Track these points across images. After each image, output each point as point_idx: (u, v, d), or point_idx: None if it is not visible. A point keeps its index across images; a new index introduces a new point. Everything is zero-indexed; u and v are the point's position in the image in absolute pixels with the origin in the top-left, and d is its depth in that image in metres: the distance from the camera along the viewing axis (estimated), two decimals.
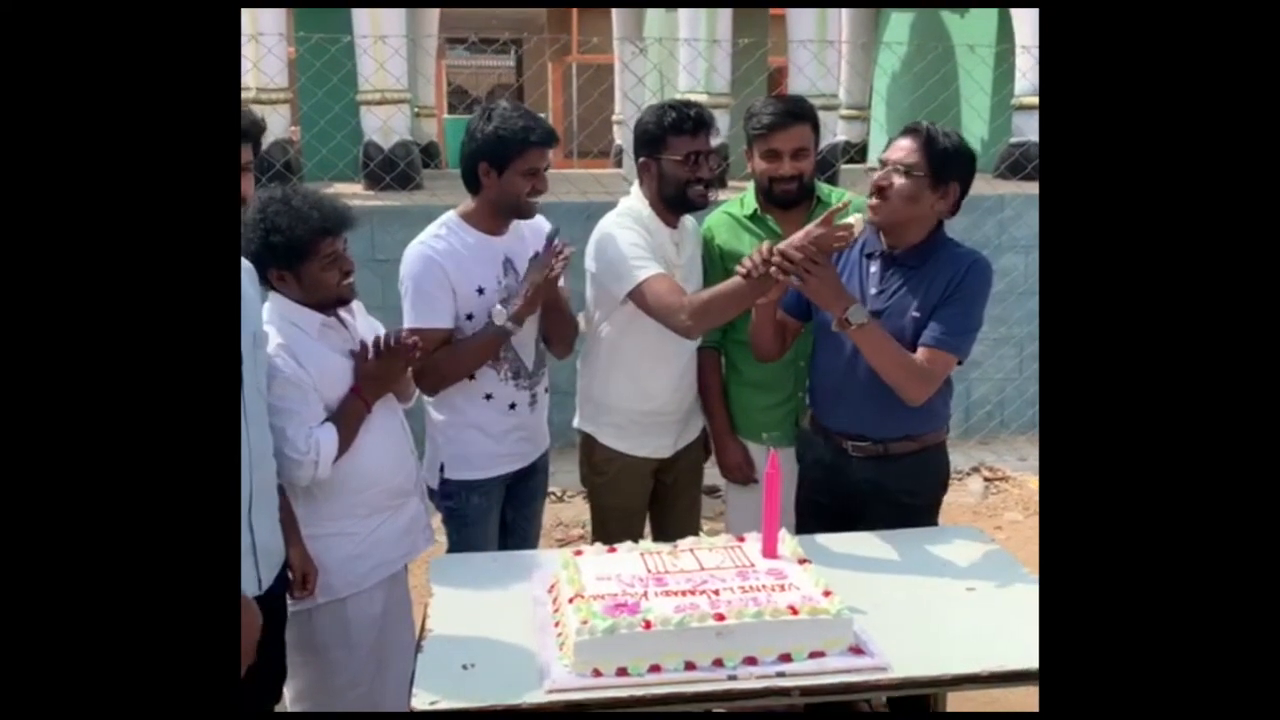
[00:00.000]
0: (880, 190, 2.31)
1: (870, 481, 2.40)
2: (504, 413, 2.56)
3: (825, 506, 2.50)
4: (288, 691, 2.27)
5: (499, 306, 2.44)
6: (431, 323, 2.44)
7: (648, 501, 2.82)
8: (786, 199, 2.63)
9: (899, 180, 2.29)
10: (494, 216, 2.51)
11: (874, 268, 2.39)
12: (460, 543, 2.57)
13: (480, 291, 2.47)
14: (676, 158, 2.53)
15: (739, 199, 2.77)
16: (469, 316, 2.48)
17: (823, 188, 2.76)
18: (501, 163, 2.41)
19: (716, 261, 2.73)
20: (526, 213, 2.52)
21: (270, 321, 2.14)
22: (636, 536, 2.76)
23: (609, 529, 2.77)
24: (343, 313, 2.27)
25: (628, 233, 2.53)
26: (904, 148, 2.31)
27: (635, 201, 2.62)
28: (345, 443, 2.17)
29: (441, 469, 2.57)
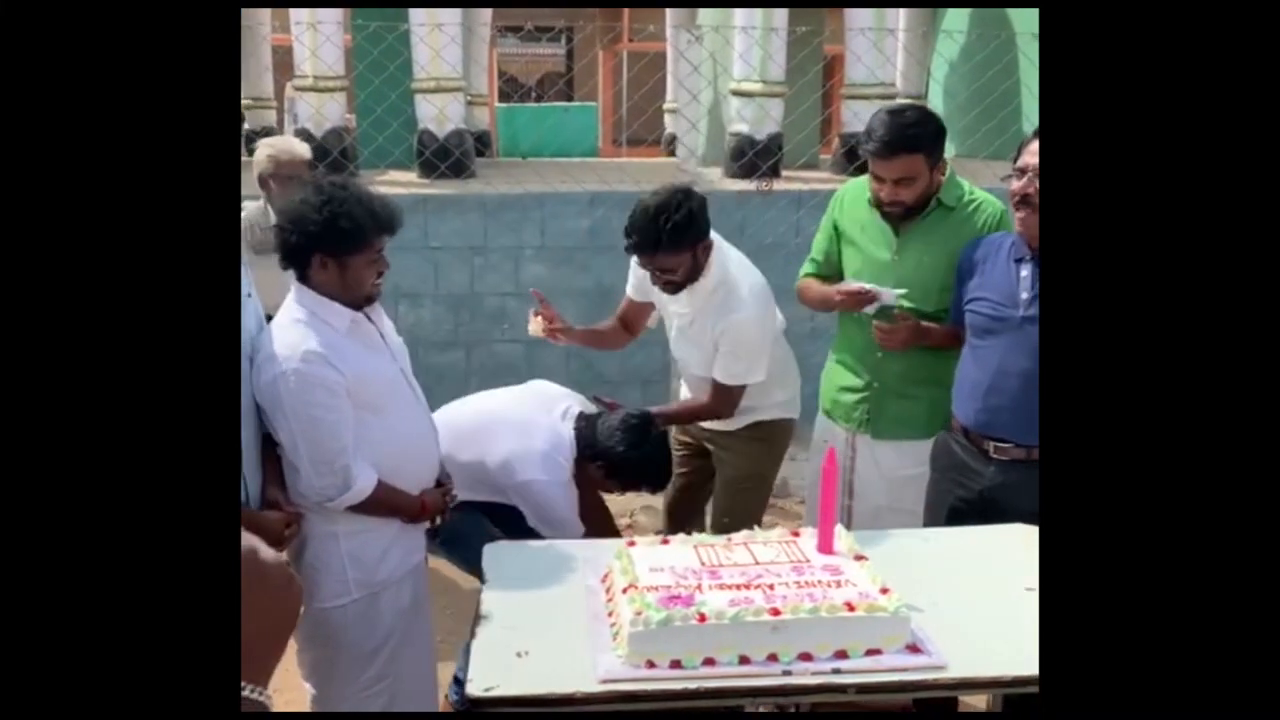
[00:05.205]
0: (1026, 199, 2.21)
1: (1009, 486, 2.31)
2: None
3: (960, 509, 2.44)
4: (309, 690, 2.29)
5: None
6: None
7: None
8: (892, 218, 2.61)
9: None
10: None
11: (1024, 271, 2.30)
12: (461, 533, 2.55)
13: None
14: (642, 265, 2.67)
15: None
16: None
17: (960, 187, 2.61)
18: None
19: (828, 227, 2.78)
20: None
21: (299, 319, 2.10)
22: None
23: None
24: (369, 309, 2.24)
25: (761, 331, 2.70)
26: None
27: None
28: (372, 512, 2.17)
29: None
